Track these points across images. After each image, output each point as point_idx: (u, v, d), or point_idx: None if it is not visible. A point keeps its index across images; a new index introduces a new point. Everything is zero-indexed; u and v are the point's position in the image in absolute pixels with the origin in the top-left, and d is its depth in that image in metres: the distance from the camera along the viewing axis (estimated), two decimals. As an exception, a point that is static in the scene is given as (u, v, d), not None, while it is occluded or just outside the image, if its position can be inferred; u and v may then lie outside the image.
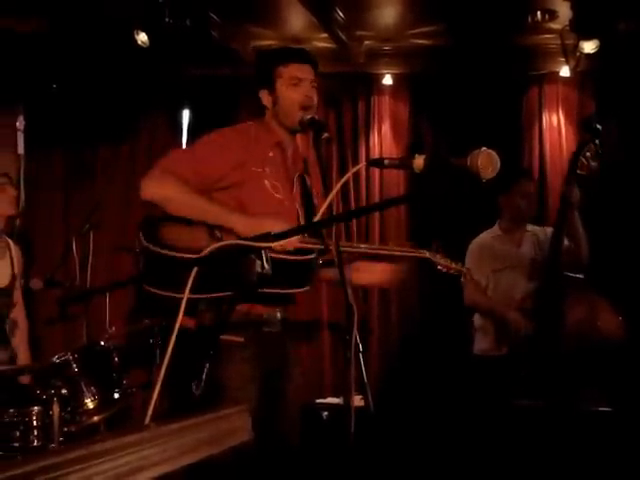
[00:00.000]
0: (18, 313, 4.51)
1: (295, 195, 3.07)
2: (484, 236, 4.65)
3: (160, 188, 2.80)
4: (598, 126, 3.78)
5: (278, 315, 2.99)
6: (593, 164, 3.67)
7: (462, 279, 4.62)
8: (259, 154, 2.97)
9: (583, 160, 3.70)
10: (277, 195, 2.97)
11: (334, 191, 2.55)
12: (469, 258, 4.59)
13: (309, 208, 3.11)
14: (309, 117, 2.89)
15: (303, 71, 3.01)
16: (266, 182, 2.95)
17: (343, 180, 2.64)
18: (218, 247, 2.47)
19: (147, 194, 2.82)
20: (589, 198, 4.13)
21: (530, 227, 4.62)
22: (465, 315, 4.75)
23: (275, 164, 3.01)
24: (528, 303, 4.22)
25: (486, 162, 1.93)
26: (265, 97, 3.07)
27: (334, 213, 2.87)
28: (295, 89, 2.99)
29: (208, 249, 2.56)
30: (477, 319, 4.64)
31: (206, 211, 2.78)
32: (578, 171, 3.77)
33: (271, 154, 3.01)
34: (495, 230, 4.64)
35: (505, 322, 4.29)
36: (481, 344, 4.58)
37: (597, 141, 3.66)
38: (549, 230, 4.52)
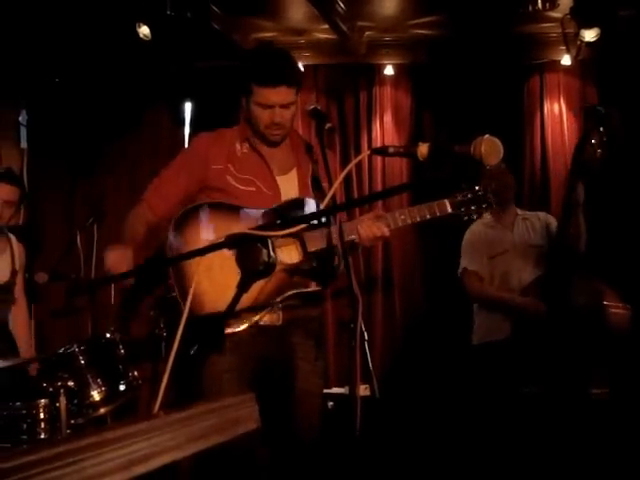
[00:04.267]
0: (19, 308, 4.52)
1: (282, 186, 3.08)
2: (476, 225, 4.65)
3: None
4: (602, 111, 3.62)
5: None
6: (599, 151, 3.53)
7: (459, 273, 4.70)
8: (222, 152, 3.08)
9: (589, 148, 3.57)
10: (248, 188, 3.03)
11: (338, 181, 2.56)
12: (465, 249, 4.69)
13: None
14: (312, 107, 2.89)
15: (278, 95, 2.97)
16: (228, 177, 3.04)
17: (347, 169, 2.65)
18: (227, 237, 2.49)
19: None
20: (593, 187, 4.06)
21: (520, 212, 4.69)
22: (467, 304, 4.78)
23: (242, 158, 3.09)
24: (534, 290, 4.25)
25: (489, 149, 1.94)
26: (243, 102, 3.11)
27: (337, 202, 2.87)
28: (263, 111, 3.00)
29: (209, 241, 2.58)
30: (476, 310, 4.69)
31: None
32: (584, 160, 3.61)
33: (239, 148, 3.10)
34: (486, 217, 4.63)
35: (518, 308, 4.32)
36: (480, 333, 4.62)
37: (602, 128, 3.52)
38: (542, 215, 4.63)
